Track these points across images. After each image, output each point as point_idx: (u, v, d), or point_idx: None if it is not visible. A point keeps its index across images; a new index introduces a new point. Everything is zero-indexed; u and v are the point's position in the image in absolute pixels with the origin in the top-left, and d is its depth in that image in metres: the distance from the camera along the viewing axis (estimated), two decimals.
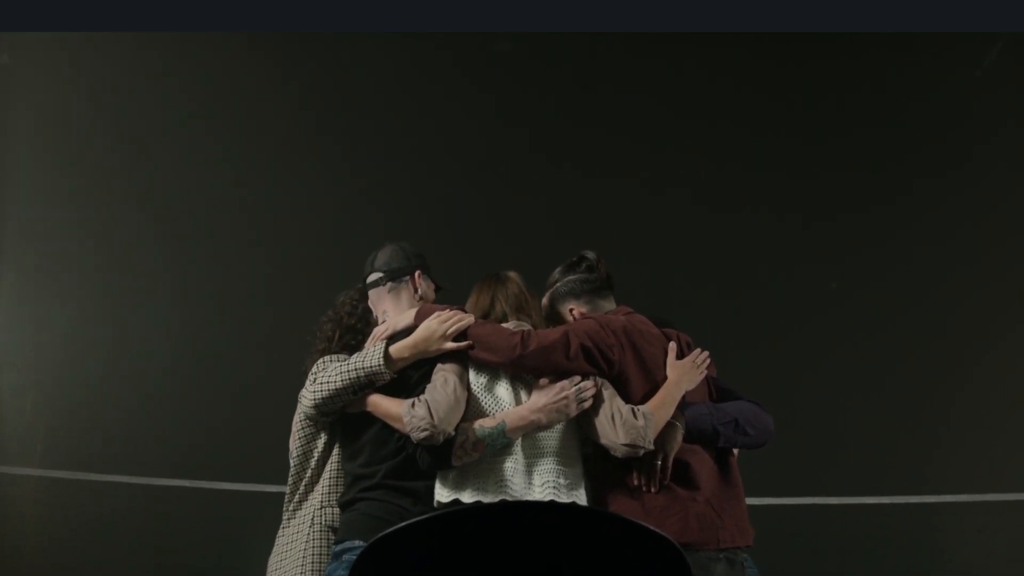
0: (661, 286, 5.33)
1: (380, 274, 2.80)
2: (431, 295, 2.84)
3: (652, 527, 1.88)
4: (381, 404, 2.48)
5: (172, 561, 5.10)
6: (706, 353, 2.69)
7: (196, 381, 5.33)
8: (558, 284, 2.79)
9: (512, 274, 2.74)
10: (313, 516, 2.57)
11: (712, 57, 5.86)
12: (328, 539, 2.54)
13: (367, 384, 2.49)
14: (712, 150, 5.85)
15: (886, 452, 5.51)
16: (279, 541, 2.64)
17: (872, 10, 5.24)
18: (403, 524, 1.84)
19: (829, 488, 5.42)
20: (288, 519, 2.64)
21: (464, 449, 2.32)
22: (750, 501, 2.70)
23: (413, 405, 2.32)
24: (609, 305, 2.75)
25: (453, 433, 2.32)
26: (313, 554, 2.53)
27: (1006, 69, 5.83)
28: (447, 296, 2.87)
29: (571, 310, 2.74)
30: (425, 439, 2.29)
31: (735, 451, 2.71)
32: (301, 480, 2.64)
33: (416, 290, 2.79)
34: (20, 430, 5.45)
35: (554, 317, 2.78)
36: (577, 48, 5.87)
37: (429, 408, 2.30)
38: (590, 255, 2.80)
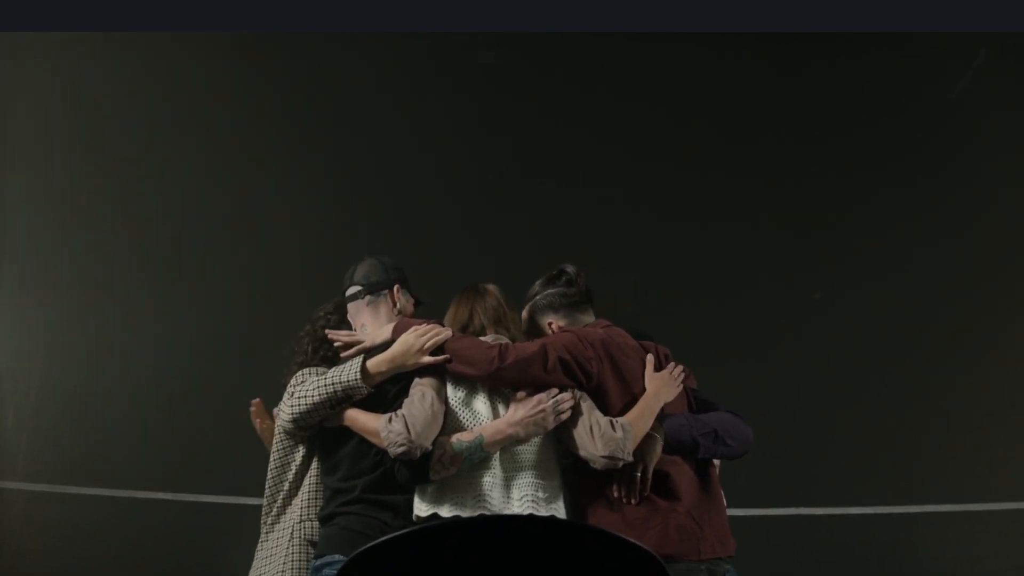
0: (642, 297, 5.34)
1: (359, 287, 2.80)
2: (410, 309, 2.84)
3: (632, 539, 1.88)
4: (358, 419, 2.47)
5: (153, 574, 5.07)
6: (681, 367, 2.70)
7: (177, 394, 5.31)
8: (537, 297, 2.79)
9: (491, 287, 2.74)
10: (292, 530, 2.57)
11: (691, 64, 5.87)
12: (307, 553, 2.53)
13: (344, 399, 2.49)
14: (693, 159, 5.86)
15: (870, 462, 5.52)
16: (258, 555, 2.63)
17: (856, 11, 5.21)
18: (383, 539, 1.84)
19: (813, 499, 5.43)
20: (267, 533, 2.63)
21: (442, 463, 2.32)
22: (734, 512, 2.70)
23: (390, 420, 2.32)
24: (588, 318, 2.75)
25: (430, 448, 2.32)
26: (293, 568, 2.52)
27: (995, 71, 5.86)
28: (427, 310, 2.87)
29: (550, 323, 2.74)
30: (402, 454, 2.28)
31: (716, 462, 2.72)
32: (279, 493, 2.63)
33: (395, 304, 2.79)
34: (0, 443, 5.41)
35: (533, 330, 2.78)
36: (559, 56, 5.87)
37: (406, 423, 2.29)
38: (570, 269, 2.80)
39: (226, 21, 5.09)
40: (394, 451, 2.29)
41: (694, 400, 2.73)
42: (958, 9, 5.06)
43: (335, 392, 2.47)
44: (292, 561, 2.52)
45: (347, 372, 2.49)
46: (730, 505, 2.70)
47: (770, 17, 5.17)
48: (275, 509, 2.63)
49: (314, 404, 2.49)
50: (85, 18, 4.97)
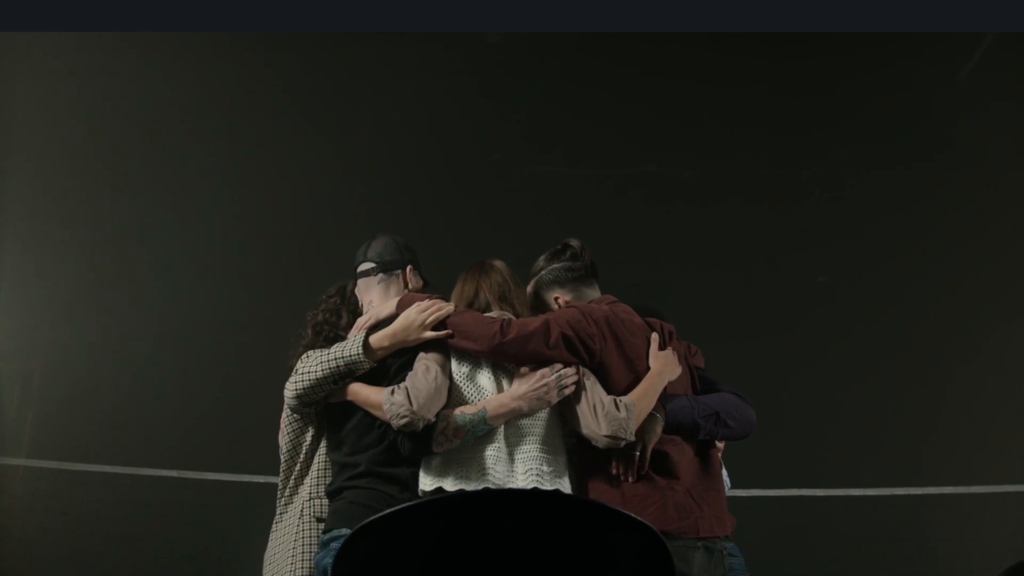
0: (651, 278, 5.33)
1: (372, 264, 2.79)
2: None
3: (634, 515, 1.88)
4: (362, 392, 2.47)
5: (159, 549, 5.11)
6: (687, 344, 2.68)
7: (182, 373, 5.34)
8: (542, 272, 2.76)
9: (498, 263, 2.71)
10: (302, 508, 2.57)
11: (698, 54, 5.86)
12: (317, 530, 2.53)
13: (347, 373, 2.49)
14: (703, 144, 5.86)
15: (875, 445, 5.53)
16: (273, 536, 2.63)
17: (866, 9, 5.24)
18: (387, 512, 1.84)
19: (818, 480, 5.43)
20: (280, 514, 2.63)
21: (445, 435, 2.32)
22: (740, 493, 2.69)
23: (393, 392, 2.32)
24: (594, 293, 2.72)
25: (433, 420, 2.31)
26: (303, 546, 2.52)
27: (992, 67, 5.84)
28: (437, 289, 2.85)
29: (556, 298, 2.72)
30: (405, 425, 2.28)
31: (719, 443, 2.70)
32: (291, 474, 2.63)
33: (406, 285, 2.78)
34: (7, 420, 5.44)
35: (539, 306, 2.75)
36: (566, 43, 5.85)
37: (408, 395, 2.29)
38: (574, 243, 2.77)
39: (231, 21, 5.13)
40: (397, 423, 2.29)
41: (698, 380, 2.71)
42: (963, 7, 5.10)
43: (338, 367, 2.48)
44: (302, 539, 2.52)
45: (350, 347, 2.49)
46: (737, 486, 2.69)
47: (789, 17, 5.22)
48: (288, 489, 2.62)
49: (317, 379, 2.49)
50: (99, 19, 4.99)
